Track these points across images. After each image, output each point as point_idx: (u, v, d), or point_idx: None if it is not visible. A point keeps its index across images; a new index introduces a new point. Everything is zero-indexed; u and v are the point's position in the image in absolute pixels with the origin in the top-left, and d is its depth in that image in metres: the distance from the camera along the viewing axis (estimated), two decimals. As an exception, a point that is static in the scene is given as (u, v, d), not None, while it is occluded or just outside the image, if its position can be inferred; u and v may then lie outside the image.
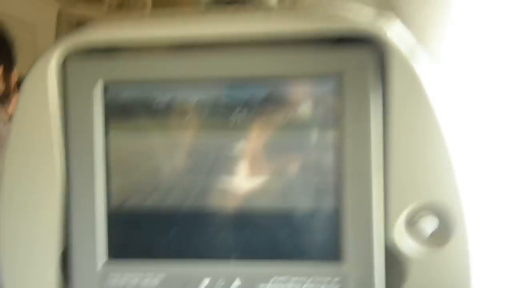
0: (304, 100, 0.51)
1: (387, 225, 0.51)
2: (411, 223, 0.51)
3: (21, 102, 0.53)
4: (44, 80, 0.52)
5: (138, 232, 0.54)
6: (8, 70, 1.46)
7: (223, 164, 0.53)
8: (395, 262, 0.52)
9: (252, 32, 0.51)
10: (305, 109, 0.51)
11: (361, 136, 0.50)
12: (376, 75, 0.50)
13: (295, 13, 0.51)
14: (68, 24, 2.08)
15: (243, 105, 0.52)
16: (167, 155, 0.53)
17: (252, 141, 0.52)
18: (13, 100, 1.46)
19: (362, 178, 0.50)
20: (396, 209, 0.51)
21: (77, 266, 0.53)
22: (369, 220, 0.50)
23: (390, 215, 0.51)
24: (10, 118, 1.39)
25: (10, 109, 1.45)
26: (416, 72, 0.49)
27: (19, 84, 1.48)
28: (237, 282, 0.52)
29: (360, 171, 0.50)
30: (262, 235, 0.53)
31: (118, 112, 0.53)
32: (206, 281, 0.53)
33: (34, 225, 0.54)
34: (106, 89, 0.53)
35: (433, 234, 0.51)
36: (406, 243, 0.51)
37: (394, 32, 0.50)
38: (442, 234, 0.51)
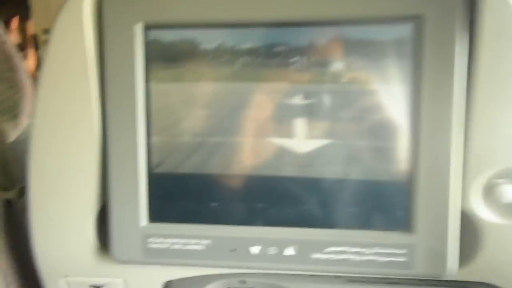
0: (376, 47, 0.44)
1: (464, 192, 0.46)
2: (489, 190, 0.46)
3: (53, 45, 0.46)
4: (78, 20, 0.46)
5: (182, 194, 0.49)
6: (23, 21, 1.39)
7: (280, 120, 0.47)
8: (470, 231, 0.47)
9: None
10: (375, 57, 0.45)
11: (442, 90, 0.43)
12: (463, 17, 0.43)
13: None
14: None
15: (303, 51, 0.45)
16: (215, 109, 0.47)
17: (314, 95, 0.46)
18: (29, 53, 1.40)
19: (441, 137, 0.44)
20: (474, 174, 0.45)
21: (116, 225, 0.49)
22: (446, 186, 0.45)
23: (467, 180, 0.45)
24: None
25: (26, 63, 1.39)
26: None
27: (34, 37, 1.42)
28: (289, 250, 0.48)
29: (439, 129, 0.44)
30: (318, 200, 0.47)
31: (160, 58, 0.47)
32: (257, 249, 0.48)
33: (70, 178, 0.49)
34: (147, 32, 0.47)
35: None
36: (483, 211, 0.46)
37: None
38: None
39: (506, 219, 0.46)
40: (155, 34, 0.47)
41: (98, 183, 0.49)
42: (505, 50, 0.42)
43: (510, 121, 0.44)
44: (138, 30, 0.46)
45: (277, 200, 0.48)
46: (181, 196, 0.49)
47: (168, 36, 0.47)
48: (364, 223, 0.47)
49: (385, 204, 0.47)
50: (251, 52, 0.46)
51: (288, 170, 0.47)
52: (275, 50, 0.46)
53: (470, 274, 0.48)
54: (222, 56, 0.46)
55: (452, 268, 0.46)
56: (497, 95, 0.43)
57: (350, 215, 0.47)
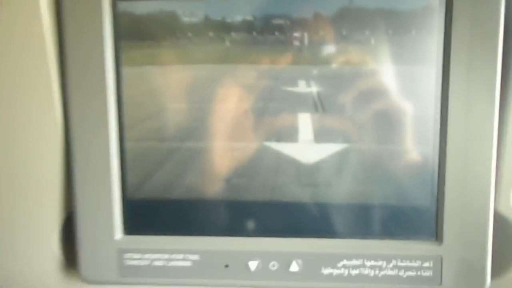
0: (397, 18, 0.36)
1: (498, 194, 0.38)
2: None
3: (3, 17, 0.38)
4: None
5: (164, 200, 0.41)
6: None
7: (280, 115, 0.38)
8: (504, 239, 0.39)
9: None
10: (398, 32, 0.37)
11: (480, 79, 0.36)
12: None
13: None
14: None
15: (308, 25, 0.37)
16: (199, 100, 0.39)
17: (321, 81, 0.38)
18: None
19: (477, 134, 0.36)
20: (510, 174, 0.38)
21: (85, 239, 0.41)
22: (480, 187, 0.37)
23: (503, 181, 0.38)
24: None
25: None
26: None
27: None
28: (295, 265, 0.40)
29: (475, 124, 0.36)
30: (327, 206, 0.39)
31: (133, 35, 0.39)
32: (254, 264, 0.40)
33: (28, 181, 0.41)
34: (116, 2, 0.38)
35: None
36: None
37: None
38: None
39: None
40: (125, 5, 0.38)
41: (62, 187, 0.41)
42: None
43: None
44: (105, 1, 0.37)
45: (278, 205, 0.40)
46: (162, 203, 0.41)
47: (141, 8, 0.38)
48: (383, 232, 0.39)
49: (407, 209, 0.39)
50: (242, 26, 0.37)
51: (289, 179, 0.40)
52: (272, 24, 0.37)
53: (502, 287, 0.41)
54: (207, 32, 0.38)
55: (486, 282, 0.38)
56: None
57: (366, 222, 0.39)
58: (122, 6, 0.38)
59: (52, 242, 0.42)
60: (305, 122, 0.39)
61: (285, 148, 0.39)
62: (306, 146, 0.39)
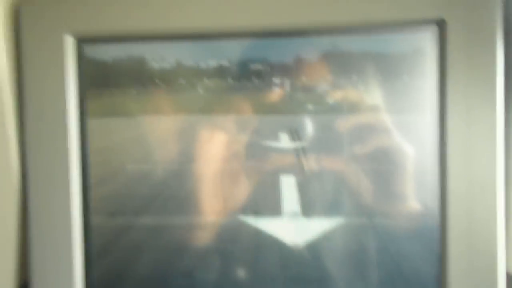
0: (384, 62, 0.32)
1: (508, 251, 0.33)
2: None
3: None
4: None
5: (128, 277, 0.36)
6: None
7: (258, 173, 0.33)
8: None
9: None
10: (386, 76, 0.33)
11: (482, 115, 0.31)
12: (495, 21, 0.31)
13: None
14: None
15: (288, 71, 0.33)
16: (169, 152, 0.35)
17: (305, 132, 0.33)
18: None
19: (477, 177, 0.32)
20: None
21: None
22: (487, 249, 0.32)
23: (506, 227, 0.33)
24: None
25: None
26: None
27: None
28: None
29: (473, 166, 0.32)
30: (323, 268, 0.35)
31: (97, 82, 0.35)
32: None
33: None
34: (80, 46, 0.35)
35: None
36: None
37: None
38: None
39: None
40: (91, 49, 0.35)
41: (18, 254, 0.36)
42: None
43: None
44: (69, 44, 0.34)
45: (265, 266, 0.35)
46: (127, 277, 0.36)
47: (107, 52, 0.35)
48: None
49: (410, 269, 0.34)
50: (217, 72, 0.34)
51: (271, 266, 0.34)
52: (250, 69, 0.34)
53: None
54: (180, 78, 0.34)
55: None
56: None
57: (365, 281, 0.34)
58: (88, 50, 0.35)
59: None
60: (289, 188, 0.33)
61: (266, 224, 0.33)
62: (292, 221, 0.33)
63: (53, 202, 0.35)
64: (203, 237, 0.34)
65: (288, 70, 0.33)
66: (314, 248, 0.33)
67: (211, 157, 0.34)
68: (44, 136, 0.35)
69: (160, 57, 0.34)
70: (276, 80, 0.33)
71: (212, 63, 0.34)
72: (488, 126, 0.32)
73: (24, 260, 0.36)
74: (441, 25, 0.32)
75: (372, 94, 0.33)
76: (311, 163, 0.33)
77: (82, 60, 0.35)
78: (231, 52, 0.33)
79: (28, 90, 0.35)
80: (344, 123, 0.33)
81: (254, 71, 0.33)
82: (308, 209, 0.33)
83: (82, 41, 0.35)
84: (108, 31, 0.34)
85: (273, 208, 0.33)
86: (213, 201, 0.34)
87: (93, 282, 0.36)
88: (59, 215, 0.35)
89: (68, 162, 0.35)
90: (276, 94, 0.33)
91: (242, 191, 0.33)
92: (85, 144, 0.35)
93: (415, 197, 0.33)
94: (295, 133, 0.33)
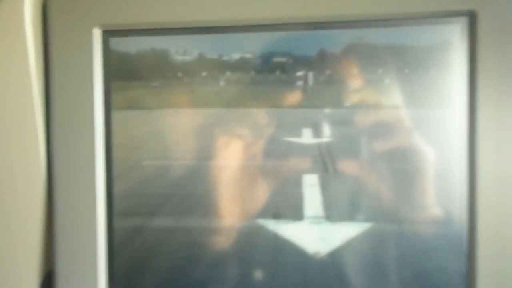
0: (412, 55, 0.31)
1: None
2: None
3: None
4: (18, 27, 0.35)
5: (154, 258, 0.36)
6: None
7: (279, 172, 0.32)
8: None
9: None
10: (413, 69, 0.31)
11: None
12: None
13: None
14: None
15: (313, 64, 0.32)
16: (192, 147, 0.34)
17: (329, 128, 0.32)
18: None
19: (509, 177, 0.30)
20: None
21: None
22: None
23: None
24: None
25: None
26: None
27: None
28: None
29: (505, 165, 0.30)
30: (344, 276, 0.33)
31: (123, 74, 0.35)
32: None
33: (7, 233, 0.37)
34: (105, 41, 0.35)
35: None
36: None
37: None
38: None
39: None
40: (116, 42, 0.35)
41: (43, 243, 0.37)
42: None
43: None
44: (96, 37, 0.35)
45: (284, 267, 0.34)
46: (148, 263, 0.36)
47: (133, 45, 0.35)
48: None
49: (435, 275, 0.32)
50: (240, 65, 0.33)
51: (290, 277, 0.32)
52: (273, 62, 0.33)
53: None
54: (203, 71, 0.34)
55: None
56: None
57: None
58: (114, 42, 0.35)
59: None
60: (311, 188, 0.31)
61: (286, 229, 0.32)
62: (314, 226, 0.31)
63: (78, 193, 0.36)
64: (219, 242, 0.33)
65: (311, 63, 0.32)
66: (337, 256, 0.31)
67: (231, 154, 0.33)
68: (70, 127, 0.35)
69: (184, 50, 0.34)
70: (300, 73, 0.32)
71: (235, 56, 0.33)
72: None
73: (49, 250, 0.37)
74: (472, 17, 0.30)
75: (399, 89, 0.31)
76: (335, 162, 0.32)
77: (108, 53, 0.35)
78: (254, 45, 0.33)
79: (56, 82, 0.35)
80: (369, 120, 0.31)
81: (277, 64, 0.33)
82: (331, 213, 0.32)
83: (108, 34, 0.35)
84: (133, 24, 0.34)
85: (295, 211, 0.32)
86: (232, 201, 0.33)
87: (116, 272, 0.36)
88: (84, 206, 0.35)
89: (94, 154, 0.35)
90: (299, 88, 0.32)
91: (261, 192, 0.32)
92: (110, 136, 0.36)
93: (443, 200, 0.31)
94: (319, 129, 0.32)
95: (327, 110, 0.32)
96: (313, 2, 0.31)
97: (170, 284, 0.35)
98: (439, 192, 0.31)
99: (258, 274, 0.32)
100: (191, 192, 0.34)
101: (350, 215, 0.32)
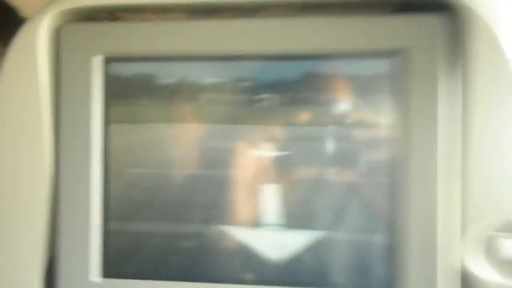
0: (356, 83, 0.40)
1: (460, 249, 0.40)
2: (488, 246, 0.40)
3: (5, 76, 0.43)
4: (32, 51, 0.42)
5: (143, 245, 0.43)
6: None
7: (238, 181, 0.40)
8: None
9: None
10: (356, 95, 0.40)
11: (425, 134, 0.39)
12: (448, 50, 0.39)
13: None
14: None
15: (272, 89, 0.41)
16: (174, 156, 0.43)
17: (286, 143, 0.41)
18: None
19: (426, 187, 0.39)
20: (470, 228, 0.40)
21: (65, 281, 0.43)
22: (434, 243, 0.39)
23: (464, 236, 0.40)
24: None
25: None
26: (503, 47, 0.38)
27: None
28: None
29: (425, 179, 0.39)
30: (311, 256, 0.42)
31: (119, 94, 0.43)
32: None
33: (15, 224, 0.43)
34: (107, 65, 0.43)
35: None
36: (481, 270, 0.40)
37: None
38: None
39: (506, 279, 0.40)
40: (115, 67, 0.43)
41: (47, 231, 0.44)
42: (498, 90, 0.38)
43: (508, 166, 0.39)
44: (98, 63, 0.42)
45: (256, 253, 0.42)
46: (141, 248, 0.43)
47: (128, 70, 0.43)
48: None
49: (366, 265, 0.41)
50: (217, 88, 0.42)
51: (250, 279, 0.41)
52: (243, 86, 0.41)
53: None
54: (185, 92, 0.42)
55: None
56: (493, 137, 0.39)
57: (324, 276, 0.41)
58: (112, 67, 0.43)
59: (35, 286, 0.44)
60: (271, 198, 0.39)
61: (245, 235, 0.40)
62: (273, 233, 0.40)
63: (78, 187, 0.43)
64: (183, 244, 0.41)
65: (275, 87, 0.41)
66: (294, 261, 0.40)
67: (199, 165, 0.41)
68: (74, 138, 0.43)
69: (170, 73, 0.42)
70: (265, 95, 0.41)
71: (212, 80, 0.42)
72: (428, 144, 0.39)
73: (50, 244, 0.44)
74: (405, 54, 0.39)
75: (345, 111, 0.40)
76: (294, 173, 0.40)
77: (107, 76, 0.43)
78: (229, 71, 0.41)
79: (64, 99, 0.43)
80: (321, 136, 0.40)
81: (246, 87, 0.41)
82: (289, 220, 0.40)
83: (109, 60, 0.43)
84: (131, 53, 0.42)
85: (254, 218, 0.40)
86: (194, 208, 0.41)
87: (109, 253, 0.43)
88: (81, 202, 0.43)
89: (91, 158, 0.43)
90: (263, 107, 0.41)
91: (225, 200, 0.40)
92: (107, 146, 0.43)
93: (386, 210, 0.40)
94: (279, 143, 0.41)
95: (286, 127, 0.41)
96: (276, 38, 0.40)
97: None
98: (376, 203, 0.41)
99: (218, 275, 0.41)
100: (161, 199, 0.42)
101: (305, 223, 0.40)
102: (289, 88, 0.41)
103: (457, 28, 0.39)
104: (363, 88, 0.40)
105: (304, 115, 0.40)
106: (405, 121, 0.39)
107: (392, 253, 0.40)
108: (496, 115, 0.38)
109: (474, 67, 0.38)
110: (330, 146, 0.40)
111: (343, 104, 0.40)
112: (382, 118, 0.40)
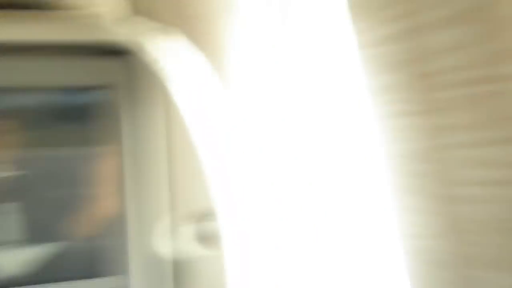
0: (72, 112, 0.48)
1: (170, 234, 0.50)
2: (196, 230, 0.50)
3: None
4: None
5: None
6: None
7: None
8: (182, 268, 0.50)
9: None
10: (74, 123, 0.48)
11: (142, 144, 0.48)
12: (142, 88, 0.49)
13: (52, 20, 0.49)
14: None
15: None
16: None
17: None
18: None
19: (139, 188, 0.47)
20: (173, 218, 0.50)
21: None
22: (148, 232, 0.48)
23: (172, 224, 0.50)
24: None
25: None
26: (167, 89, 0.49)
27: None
28: None
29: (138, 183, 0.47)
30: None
31: None
32: None
33: None
34: None
35: (210, 239, 0.50)
36: (190, 249, 0.50)
37: (162, 48, 0.48)
38: (215, 239, 0.50)
39: (205, 255, 0.50)
40: None
41: None
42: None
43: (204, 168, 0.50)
44: None
45: None
46: None
47: None
48: (85, 274, 0.48)
49: (100, 253, 0.48)
50: None
51: None
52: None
53: None
54: None
55: None
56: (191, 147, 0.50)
57: (64, 268, 0.48)
58: None
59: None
60: (5, 217, 0.44)
61: None
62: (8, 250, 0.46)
63: None
64: None
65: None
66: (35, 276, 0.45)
67: None
68: None
69: None
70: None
71: None
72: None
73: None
74: (113, 88, 0.49)
75: (64, 136, 0.48)
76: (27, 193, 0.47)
77: None
78: None
79: None
80: (43, 160, 0.46)
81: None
82: (26, 236, 0.46)
83: None
84: None
85: None
86: None
87: None
88: None
89: None
90: None
91: None
92: None
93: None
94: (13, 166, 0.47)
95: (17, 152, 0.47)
96: None
97: None
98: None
99: None
100: None
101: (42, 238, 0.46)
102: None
103: (142, 68, 0.50)
104: (79, 115, 0.48)
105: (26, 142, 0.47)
106: (118, 139, 0.49)
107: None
108: (186, 125, 0.49)
109: (153, 97, 0.49)
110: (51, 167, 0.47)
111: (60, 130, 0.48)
112: (97, 139, 0.49)
